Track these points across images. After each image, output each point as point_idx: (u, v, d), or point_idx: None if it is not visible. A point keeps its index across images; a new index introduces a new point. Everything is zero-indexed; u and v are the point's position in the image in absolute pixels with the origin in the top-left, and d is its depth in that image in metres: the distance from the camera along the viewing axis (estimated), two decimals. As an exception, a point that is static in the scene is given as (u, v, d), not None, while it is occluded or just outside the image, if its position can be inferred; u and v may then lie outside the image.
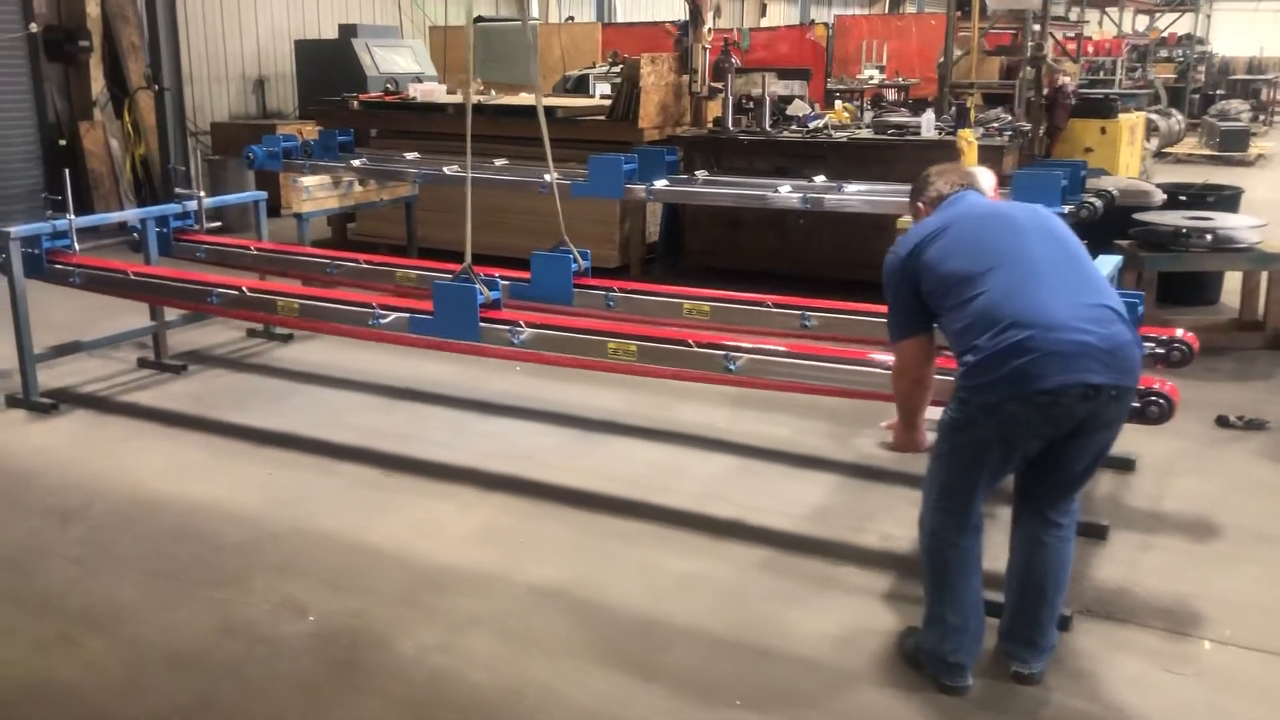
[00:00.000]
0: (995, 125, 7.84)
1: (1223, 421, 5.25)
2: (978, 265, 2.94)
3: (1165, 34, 23.98)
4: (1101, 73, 16.60)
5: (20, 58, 10.33)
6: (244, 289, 5.01)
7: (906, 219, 5.65)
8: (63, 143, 10.55)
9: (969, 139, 5.60)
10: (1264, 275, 6.44)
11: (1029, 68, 8.10)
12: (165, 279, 5.30)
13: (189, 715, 3.11)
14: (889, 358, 3.95)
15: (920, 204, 3.32)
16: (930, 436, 4.36)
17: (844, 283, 7.63)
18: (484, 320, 4.43)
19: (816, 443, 5.16)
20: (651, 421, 5.39)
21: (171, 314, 6.31)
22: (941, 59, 10.88)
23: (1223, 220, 6.29)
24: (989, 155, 7.32)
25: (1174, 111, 17.97)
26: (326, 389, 6.00)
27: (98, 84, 10.79)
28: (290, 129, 9.75)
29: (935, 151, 7.45)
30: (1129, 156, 8.58)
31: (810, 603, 3.71)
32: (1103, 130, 7.93)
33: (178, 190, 6.48)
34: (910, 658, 3.28)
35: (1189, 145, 17.65)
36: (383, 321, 4.62)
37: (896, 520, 4.33)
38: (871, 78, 14.01)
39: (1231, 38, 34.18)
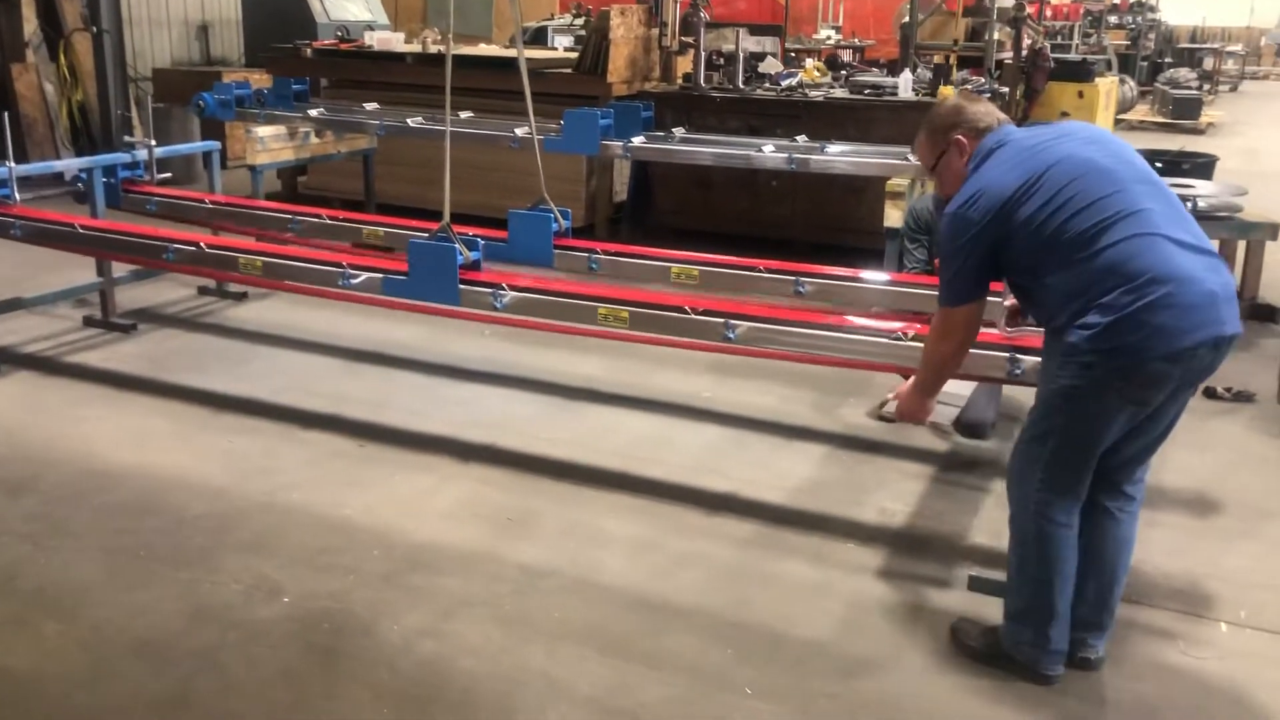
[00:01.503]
0: (969, 87, 7.68)
1: (1210, 393, 5.18)
2: (1091, 220, 2.71)
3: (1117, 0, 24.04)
4: (1059, 38, 16.53)
5: (-54, -6, 9.75)
6: (202, 245, 4.70)
7: (899, 180, 5.49)
8: (-7, 86, 10.00)
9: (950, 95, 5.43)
10: (1241, 245, 6.38)
11: (1007, 28, 7.95)
12: (118, 233, 4.97)
13: (162, 709, 2.88)
14: (894, 325, 3.83)
15: (959, 136, 3.01)
16: (939, 409, 4.25)
17: (817, 246, 7.51)
18: (464, 282, 4.18)
19: (804, 412, 5.00)
20: (633, 389, 5.19)
21: (119, 270, 5.96)
22: (905, 19, 10.73)
23: (1206, 188, 6.21)
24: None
25: (1127, 78, 18.01)
26: (287, 351, 5.71)
27: (30, 24, 10.22)
28: (238, 77, 9.30)
29: (913, 112, 7.29)
30: (1105, 121, 8.51)
31: (812, 581, 3.56)
32: (1080, 94, 7.83)
33: (126, 139, 6.10)
34: (988, 651, 3.09)
35: (1141, 112, 17.71)
36: (353, 282, 4.35)
37: (892, 494, 4.20)
38: (829, 38, 13.82)
39: (1177, 6, 34.49)
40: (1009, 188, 2.80)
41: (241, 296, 6.48)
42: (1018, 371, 3.45)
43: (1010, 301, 3.42)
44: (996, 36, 9.59)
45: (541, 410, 4.98)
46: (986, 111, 3.08)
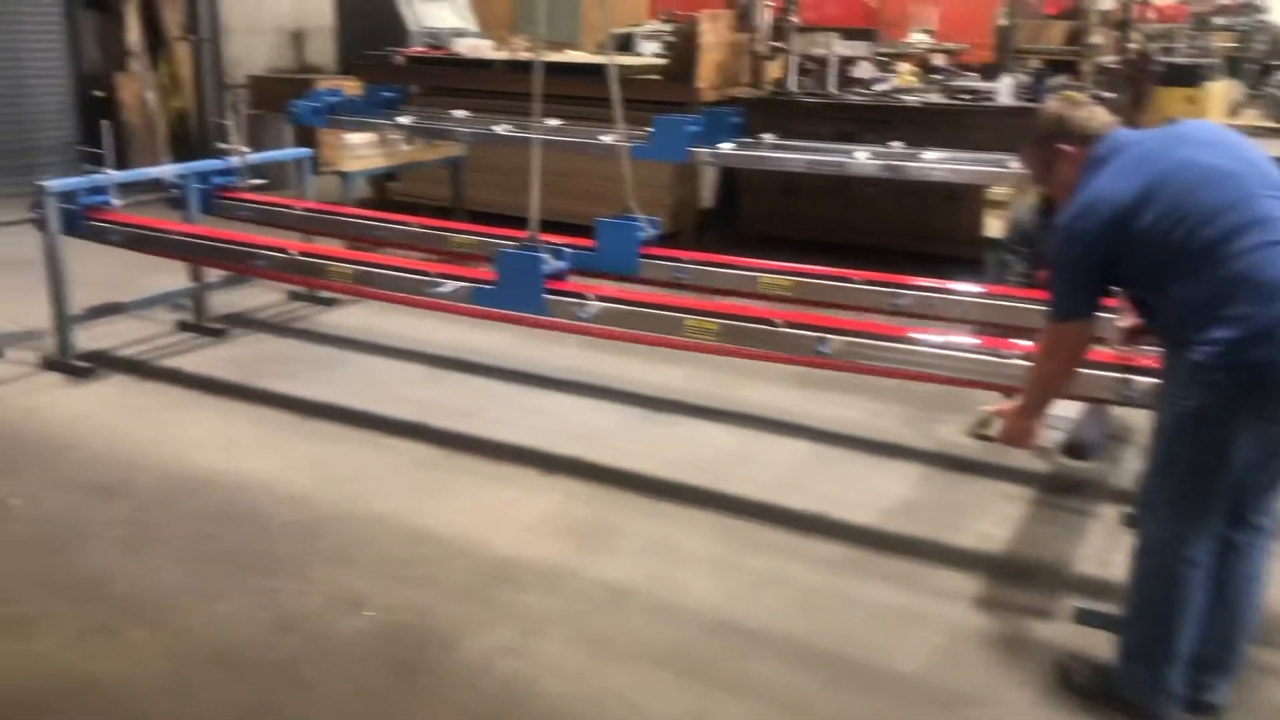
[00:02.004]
0: (1081, 94, 7.40)
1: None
2: (1216, 228, 2.55)
3: (1224, 1, 23.18)
4: (1164, 41, 15.97)
5: (55, 5, 10.05)
6: (292, 252, 4.72)
7: (1002, 189, 5.30)
8: (98, 94, 10.27)
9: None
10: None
11: (1113, 31, 7.66)
12: (211, 239, 5.03)
13: (242, 722, 2.86)
14: (998, 341, 3.67)
15: (1064, 145, 2.86)
16: (1045, 431, 4.06)
17: (910, 254, 7.30)
18: (549, 292, 4.13)
19: (894, 428, 4.85)
20: (716, 401, 5.09)
21: (212, 275, 6.04)
22: (1003, 22, 10.43)
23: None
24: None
25: (1234, 82, 17.32)
26: (374, 357, 5.72)
27: (134, 33, 10.49)
28: (331, 84, 9.42)
29: (1014, 118, 7.07)
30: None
31: (905, 608, 3.42)
32: (1190, 100, 7.52)
33: (220, 145, 6.19)
34: (1098, 690, 2.93)
35: (1249, 118, 17.04)
36: (441, 290, 4.33)
37: (991, 518, 4.03)
38: (920, 42, 13.54)
39: (1287, 6, 33.16)
40: (1125, 197, 2.64)
41: (330, 302, 6.52)
42: (1130, 393, 3.27)
43: (1126, 320, 3.23)
44: (1097, 40, 9.29)
45: (625, 421, 4.91)
46: (1091, 116, 2.90)
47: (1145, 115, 7.28)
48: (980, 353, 3.54)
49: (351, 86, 8.65)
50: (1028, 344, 3.61)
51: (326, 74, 11.96)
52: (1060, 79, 7.97)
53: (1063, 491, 4.28)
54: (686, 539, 3.83)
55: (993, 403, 4.77)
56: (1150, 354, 3.27)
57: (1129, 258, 2.66)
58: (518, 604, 3.40)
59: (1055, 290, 2.82)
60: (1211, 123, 2.94)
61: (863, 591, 3.51)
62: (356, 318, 6.30)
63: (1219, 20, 22.70)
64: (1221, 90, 8.67)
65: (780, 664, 3.11)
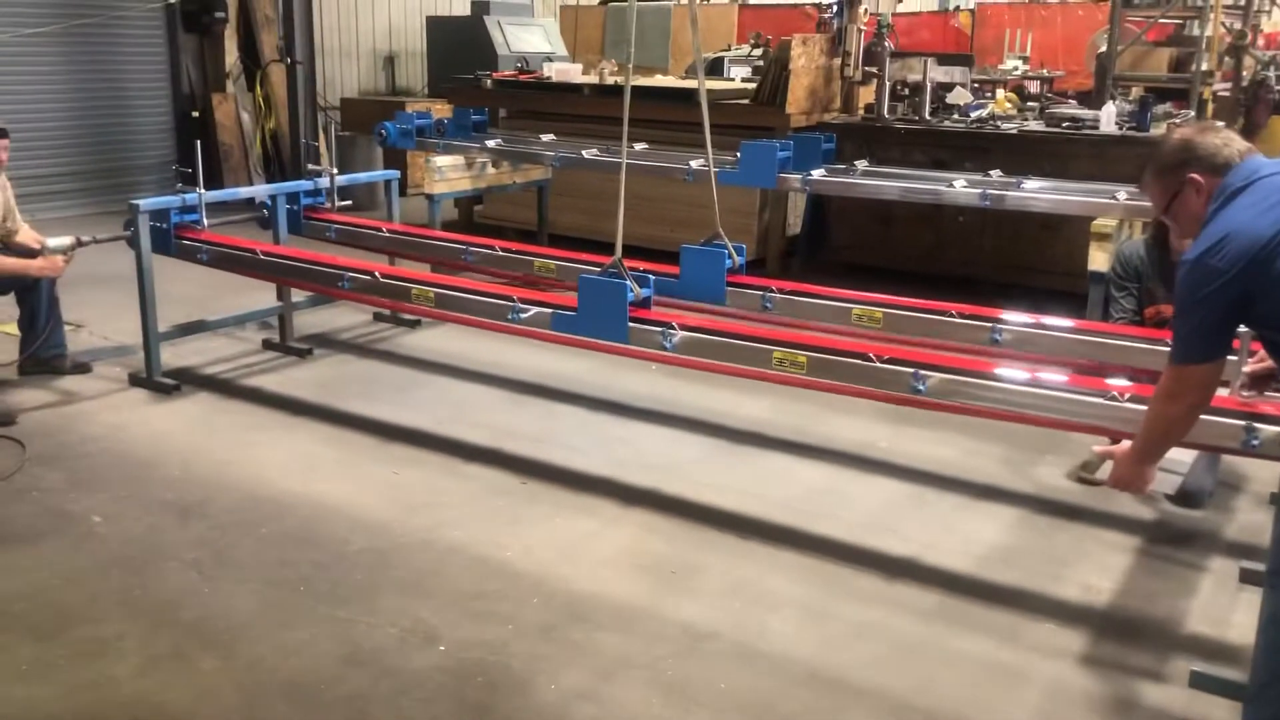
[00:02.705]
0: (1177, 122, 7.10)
1: None
2: None
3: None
4: (1272, 67, 15.41)
5: (158, 28, 10.32)
6: (377, 274, 4.68)
7: (1105, 221, 5.06)
8: (195, 114, 10.50)
9: None
10: None
11: (1228, 58, 7.34)
12: (296, 260, 5.02)
13: (309, 760, 2.77)
14: (1106, 383, 3.45)
15: (1193, 174, 2.65)
16: (1160, 477, 3.83)
17: (1006, 286, 7.06)
18: (633, 320, 4.01)
19: (992, 469, 4.63)
20: (803, 435, 4.92)
21: (298, 294, 6.05)
22: (1103, 49, 10.11)
23: None
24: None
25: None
26: (454, 380, 5.67)
27: (231, 56, 10.72)
28: (420, 106, 9.50)
29: (1116, 148, 6.82)
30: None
31: (1005, 664, 3.21)
32: (1306, 129, 7.18)
33: (309, 166, 6.21)
34: None
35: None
36: (523, 316, 4.24)
37: (1096, 567, 3.80)
38: (1015, 68, 13.23)
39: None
40: (1264, 233, 2.43)
41: (414, 324, 6.51)
42: (1255, 443, 3.03)
43: (1253, 365, 3.01)
44: (1205, 66, 8.95)
45: (707, 453, 4.76)
46: (1224, 143, 2.67)
47: (1259, 145, 6.94)
48: (1085, 394, 3.33)
49: (441, 109, 8.70)
50: (1131, 384, 3.40)
51: (416, 97, 12.11)
52: (1165, 107, 7.67)
53: (1172, 542, 4.02)
54: (771, 580, 3.67)
55: (1100, 444, 4.54)
56: (1278, 400, 3.05)
57: (1266, 298, 2.45)
58: (594, 644, 3.27)
59: (1180, 330, 2.61)
60: (1357, 153, 2.71)
61: (959, 644, 3.31)
62: (440, 341, 6.27)
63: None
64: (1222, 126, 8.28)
65: (871, 721, 2.93)
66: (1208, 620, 3.46)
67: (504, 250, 5.39)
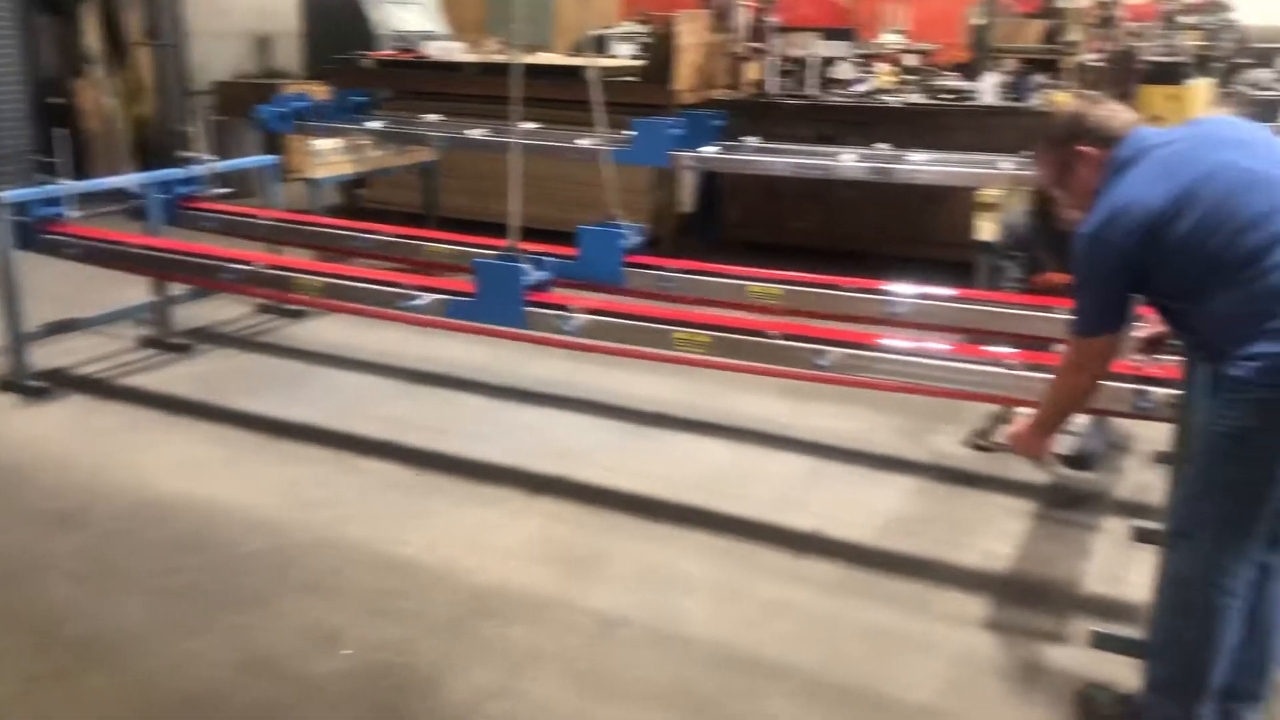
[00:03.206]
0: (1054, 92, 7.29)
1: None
2: (1259, 236, 2.37)
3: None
4: (1127, 38, 15.97)
5: (8, 7, 9.73)
6: (260, 264, 4.50)
7: (991, 191, 5.15)
8: (56, 100, 9.96)
9: (1064, 102, 5.06)
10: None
11: (1096, 29, 7.54)
12: (173, 252, 4.80)
13: (210, 777, 2.65)
14: (1002, 351, 3.51)
15: (1083, 147, 2.66)
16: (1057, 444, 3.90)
17: (895, 259, 7.15)
18: (530, 304, 3.93)
19: (891, 440, 4.68)
20: (707, 414, 4.90)
21: (176, 287, 5.79)
22: (978, 21, 10.33)
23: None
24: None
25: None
26: (345, 372, 5.50)
27: (92, 38, 10.19)
28: (297, 89, 9.17)
29: (996, 118, 6.96)
30: (1196, 126, 7.98)
31: (915, 635, 3.25)
32: (1174, 98, 7.41)
33: (183, 153, 5.94)
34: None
35: (1220, 114, 17.10)
36: (416, 304, 4.13)
37: (995, 533, 3.87)
38: (893, 42, 13.44)
39: (1249, 4, 33.47)
40: (1156, 204, 2.47)
41: (300, 314, 6.29)
42: (1146, 405, 3.11)
43: (1145, 330, 3.07)
44: (1074, 38, 9.20)
45: (612, 437, 4.71)
46: (1113, 115, 2.71)
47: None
48: (981, 364, 3.38)
49: (319, 91, 8.42)
50: (1023, 352, 3.47)
51: (293, 79, 11.70)
52: (1039, 78, 7.86)
53: (1066, 504, 4.13)
54: (682, 563, 3.64)
55: (993, 412, 4.64)
56: (1167, 364, 3.13)
57: (1161, 268, 2.49)
58: (504, 638, 3.20)
59: (1080, 303, 2.64)
60: (1237, 119, 2.77)
61: (869, 617, 3.33)
62: (327, 331, 6.07)
63: (1186, 19, 22.85)
64: (1203, 88, 8.59)
65: (788, 700, 2.93)
66: (1104, 580, 3.55)
67: (393, 235, 5.24)
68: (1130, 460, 4.51)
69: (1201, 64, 17.25)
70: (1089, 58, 8.15)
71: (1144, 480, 4.33)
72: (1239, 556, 2.50)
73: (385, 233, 5.25)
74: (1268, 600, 2.63)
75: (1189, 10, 21.61)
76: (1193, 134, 2.59)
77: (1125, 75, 7.04)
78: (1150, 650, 2.72)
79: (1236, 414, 2.40)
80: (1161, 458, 4.44)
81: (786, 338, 3.56)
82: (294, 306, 6.18)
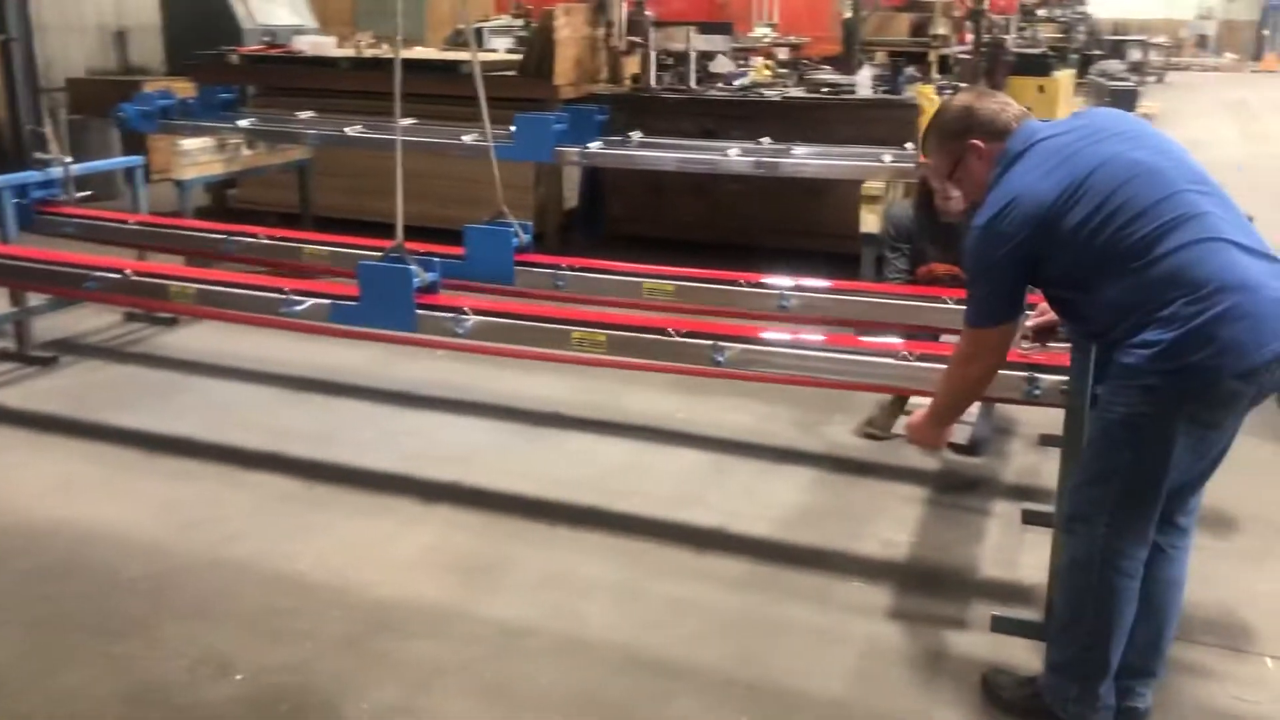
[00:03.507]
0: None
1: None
2: (1147, 226, 2.42)
3: (1047, -7, 24.16)
4: (995, 31, 16.48)
5: None
6: (128, 271, 4.27)
7: (874, 183, 5.22)
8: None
9: (930, 96, 5.19)
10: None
11: (969, 22, 7.74)
12: (31, 261, 4.51)
13: (95, 822, 2.49)
14: (895, 342, 3.55)
15: (974, 141, 2.71)
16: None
17: (778, 251, 7.21)
18: (421, 307, 3.82)
19: (785, 432, 4.71)
20: (600, 412, 4.86)
21: (36, 297, 5.47)
22: (848, 15, 10.52)
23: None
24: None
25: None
26: (222, 381, 5.27)
27: (-70, 33, 9.57)
28: (159, 86, 8.79)
29: (873, 111, 7.08)
30: (1064, 115, 8.28)
31: (821, 628, 3.26)
32: (1040, 89, 7.67)
33: (36, 155, 5.61)
34: (1026, 705, 2.80)
35: (1077, 105, 17.79)
36: (298, 309, 3.97)
37: (892, 522, 3.92)
38: (765, 35, 13.60)
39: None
40: (1048, 196, 2.51)
41: (172, 321, 6.01)
42: (1036, 392, 3.17)
43: (1035, 318, 3.14)
44: (942, 31, 9.45)
45: (505, 439, 4.62)
46: (1001, 108, 2.75)
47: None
48: (878, 355, 3.40)
49: (183, 88, 8.08)
50: (917, 343, 3.53)
51: (154, 75, 11.23)
52: (911, 70, 8.02)
53: (957, 490, 4.21)
54: (584, 566, 3.58)
55: (882, 400, 4.71)
56: (1056, 351, 3.20)
57: (1054, 259, 2.54)
58: (404, 654, 3.10)
59: (975, 295, 2.68)
60: (1121, 111, 2.84)
61: (774, 612, 3.33)
62: (201, 338, 5.82)
63: (1042, 12, 23.72)
64: (1067, 79, 8.92)
65: (699, 701, 2.90)
66: (999, 564, 3.63)
67: (269, 238, 5.04)
68: (1015, 444, 4.63)
69: (1060, 55, 17.93)
70: (957, 50, 8.37)
71: (1029, 463, 4.45)
72: (1136, 539, 2.57)
73: (261, 235, 5.05)
74: (1160, 579, 2.71)
75: (1045, 4, 22.38)
76: (1081, 126, 2.65)
77: (994, 67, 7.24)
78: (1051, 633, 2.78)
79: (1129, 400, 2.46)
80: (1045, 441, 4.59)
81: (684, 335, 3.52)
82: (165, 314, 5.91)
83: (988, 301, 2.65)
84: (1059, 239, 2.50)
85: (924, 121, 5.17)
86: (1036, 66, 7.95)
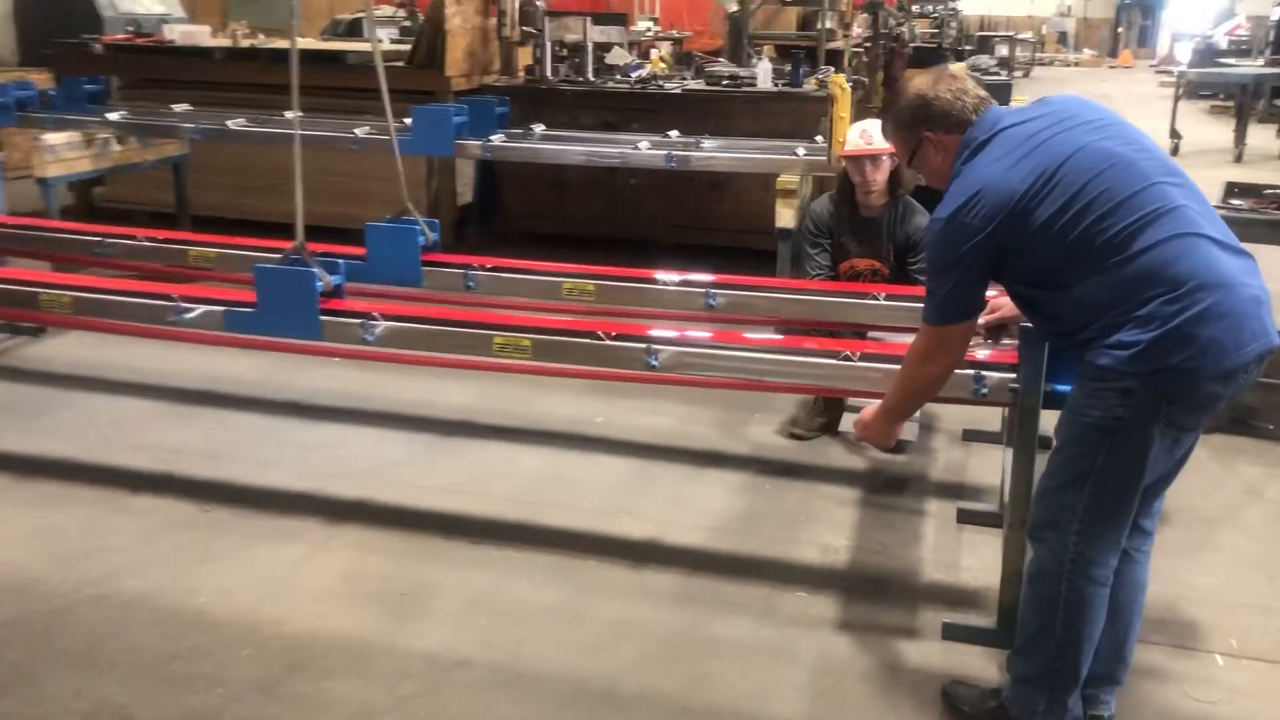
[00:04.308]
0: (823, 79, 7.39)
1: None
2: (1123, 220, 2.31)
3: (919, -11, 24.69)
4: (893, 25, 16.72)
5: None
6: (-9, 279, 3.86)
7: (790, 177, 5.10)
8: None
9: (843, 85, 5.08)
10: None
11: (864, 15, 7.72)
12: (-124, 269, 4.05)
13: None
14: (835, 340, 3.43)
15: (930, 133, 2.58)
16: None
17: (681, 247, 7.09)
18: (325, 312, 3.53)
19: (709, 434, 4.56)
20: (515, 418, 4.62)
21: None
22: (733, 9, 10.44)
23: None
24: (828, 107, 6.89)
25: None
26: (101, 395, 4.85)
27: None
28: (13, 76, 8.17)
29: (774, 103, 6.99)
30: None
31: (769, 644, 3.10)
32: (937, 82, 7.67)
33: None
34: (993, 716, 2.69)
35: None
36: (189, 317, 3.63)
37: (828, 525, 3.80)
38: (648, 29, 13.48)
39: (969, -3, 35.90)
40: (1018, 186, 2.38)
41: (38, 332, 5.54)
42: (983, 390, 3.07)
43: (987, 316, 3.03)
44: (829, 25, 9.44)
45: (416, 451, 4.35)
46: (957, 96, 2.59)
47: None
48: (821, 356, 3.26)
49: (41, 79, 7.52)
50: (854, 342, 3.41)
51: (5, 66, 10.49)
52: (823, 66, 7.96)
53: (889, 489, 4.12)
54: (514, 587, 3.36)
55: (804, 400, 4.59)
56: (1003, 348, 3.11)
57: (1022, 253, 2.42)
58: (326, 697, 2.82)
59: (936, 291, 2.54)
60: (1084, 99, 2.74)
61: (720, 630, 3.16)
62: (76, 349, 5.36)
63: (916, 8, 24.22)
64: (961, 72, 9.01)
65: (654, 733, 2.71)
66: (941, 566, 3.53)
67: (150, 240, 4.64)
68: (939, 440, 4.56)
69: (935, 50, 18.27)
70: (853, 43, 8.36)
71: (955, 459, 4.39)
72: (1108, 546, 2.47)
73: (142, 237, 4.65)
74: (1127, 584, 2.63)
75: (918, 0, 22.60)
76: (1049, 113, 2.53)
77: (892, 59, 7.23)
78: (1018, 644, 2.67)
79: (1104, 404, 2.36)
80: (969, 436, 4.54)
81: (615, 338, 3.32)
82: (29, 325, 5.44)
83: (950, 298, 2.52)
84: (1029, 233, 2.38)
85: (837, 112, 5.09)
86: (933, 59, 7.98)
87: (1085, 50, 35.95)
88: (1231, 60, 17.25)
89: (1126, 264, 2.30)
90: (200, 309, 3.63)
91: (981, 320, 3.02)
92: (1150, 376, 2.29)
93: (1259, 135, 13.54)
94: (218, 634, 3.08)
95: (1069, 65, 32.56)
